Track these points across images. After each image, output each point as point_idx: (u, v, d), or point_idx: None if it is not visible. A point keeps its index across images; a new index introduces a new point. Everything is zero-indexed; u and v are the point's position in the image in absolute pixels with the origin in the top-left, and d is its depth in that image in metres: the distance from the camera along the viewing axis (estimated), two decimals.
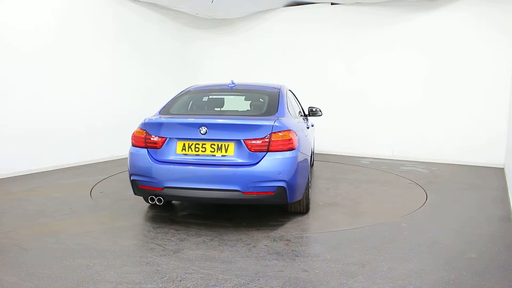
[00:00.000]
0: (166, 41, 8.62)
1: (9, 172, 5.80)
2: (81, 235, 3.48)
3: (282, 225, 3.76)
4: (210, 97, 4.65)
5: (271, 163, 3.41)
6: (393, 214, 4.16)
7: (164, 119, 3.80)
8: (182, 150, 3.58)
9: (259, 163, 3.42)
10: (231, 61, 9.48)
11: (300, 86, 7.79)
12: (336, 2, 8.10)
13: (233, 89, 4.53)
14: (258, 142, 3.44)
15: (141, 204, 4.47)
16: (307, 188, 3.93)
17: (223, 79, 8.97)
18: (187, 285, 2.54)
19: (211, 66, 9.55)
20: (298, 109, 5.27)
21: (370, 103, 8.06)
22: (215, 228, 3.68)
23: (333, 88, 8.36)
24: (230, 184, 3.42)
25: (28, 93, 5.99)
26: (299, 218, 3.96)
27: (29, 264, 2.84)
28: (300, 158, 3.65)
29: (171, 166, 3.54)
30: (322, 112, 5.91)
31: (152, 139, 3.66)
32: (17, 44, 5.83)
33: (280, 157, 3.45)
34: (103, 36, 7.18)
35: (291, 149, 3.52)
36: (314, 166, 6.83)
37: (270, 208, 4.25)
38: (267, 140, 3.45)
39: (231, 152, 3.49)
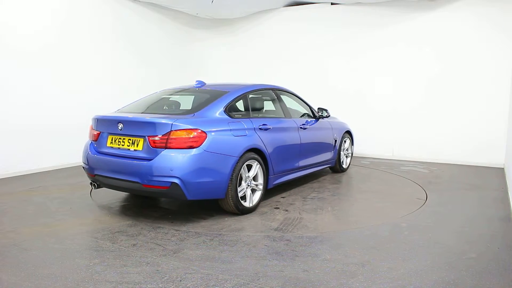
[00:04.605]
0: (166, 41, 8.61)
1: (9, 172, 5.81)
2: (81, 235, 3.49)
3: (197, 222, 3.85)
4: (163, 97, 4.79)
5: (164, 159, 3.59)
6: (330, 228, 4.05)
7: (100, 115, 4.24)
8: (110, 143, 4.02)
9: (155, 158, 3.63)
10: (231, 61, 9.48)
11: (300, 86, 7.79)
12: (336, 2, 8.10)
13: (196, 90, 4.73)
14: (157, 138, 3.65)
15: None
16: (234, 189, 3.89)
17: (223, 79, 9.01)
18: (187, 285, 2.54)
19: (211, 66, 9.54)
20: (290, 109, 5.31)
21: (370, 103, 8.06)
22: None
23: (333, 88, 8.36)
24: (133, 176, 3.72)
25: (28, 93, 6.00)
26: (226, 218, 3.96)
27: (29, 264, 2.84)
28: (209, 157, 3.70)
29: (99, 156, 4.04)
30: (329, 113, 5.93)
31: (93, 132, 4.23)
32: (17, 43, 5.83)
33: (175, 154, 3.59)
34: (103, 35, 7.18)
35: (191, 147, 3.62)
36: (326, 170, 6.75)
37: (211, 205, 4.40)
38: (165, 137, 3.61)
39: (140, 147, 3.77)
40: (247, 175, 4.11)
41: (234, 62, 9.45)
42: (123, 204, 4.51)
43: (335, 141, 6.06)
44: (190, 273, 2.71)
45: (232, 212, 4.06)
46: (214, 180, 3.75)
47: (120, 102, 7.49)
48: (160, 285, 2.53)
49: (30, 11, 5.97)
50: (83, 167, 4.33)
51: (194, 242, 3.32)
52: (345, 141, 6.43)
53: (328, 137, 5.85)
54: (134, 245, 3.24)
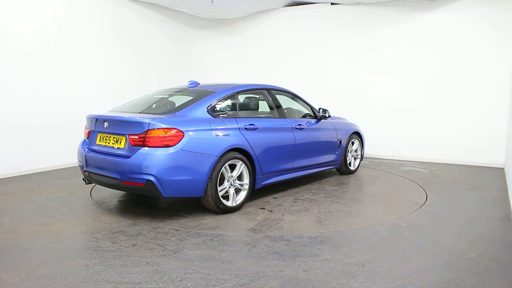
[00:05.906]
0: (166, 41, 8.61)
1: (9, 172, 5.81)
2: (81, 235, 3.49)
3: (176, 219, 3.92)
4: (155, 97, 4.83)
5: (140, 157, 3.68)
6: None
7: (91, 114, 4.34)
8: (99, 141, 4.16)
9: (132, 156, 3.72)
10: (232, 61, 9.48)
11: (300, 86, 7.78)
12: (336, 2, 8.09)
13: (187, 90, 4.78)
14: (136, 137, 3.76)
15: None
16: (214, 188, 3.90)
17: (223, 79, 9.01)
18: (187, 285, 2.54)
19: (211, 66, 9.54)
20: (289, 109, 5.29)
21: (370, 103, 8.05)
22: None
23: (333, 88, 8.35)
24: (114, 172, 3.85)
25: (28, 93, 5.99)
26: (206, 217, 3.98)
27: (29, 264, 2.84)
28: (186, 156, 3.75)
29: (90, 153, 4.18)
30: (330, 114, 5.83)
31: (86, 130, 4.41)
32: (17, 43, 5.83)
33: (151, 152, 3.67)
34: (103, 36, 7.18)
35: (168, 146, 3.69)
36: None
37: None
38: (143, 136, 3.71)
39: (122, 145, 3.88)
40: (230, 174, 4.11)
41: (234, 62, 9.45)
42: (123, 204, 4.52)
43: (340, 142, 5.92)
44: (190, 273, 2.71)
45: (213, 210, 4.08)
46: (191, 179, 3.79)
47: (120, 102, 7.48)
48: (160, 285, 2.53)
49: (30, 11, 5.96)
50: (78, 164, 4.46)
51: (194, 242, 3.32)
52: (352, 143, 6.27)
53: (330, 138, 5.74)
54: (134, 245, 3.24)
